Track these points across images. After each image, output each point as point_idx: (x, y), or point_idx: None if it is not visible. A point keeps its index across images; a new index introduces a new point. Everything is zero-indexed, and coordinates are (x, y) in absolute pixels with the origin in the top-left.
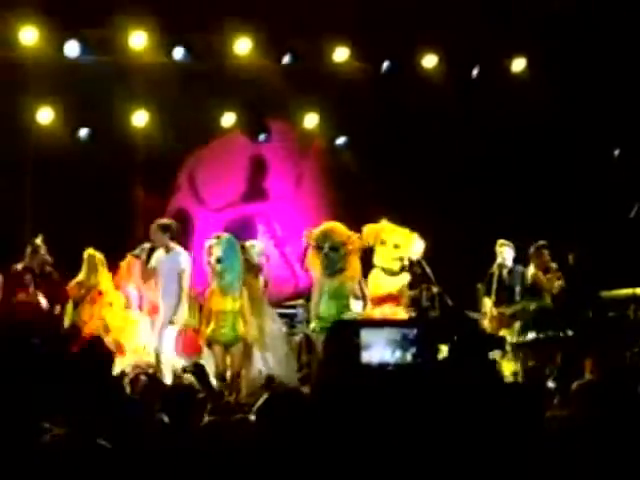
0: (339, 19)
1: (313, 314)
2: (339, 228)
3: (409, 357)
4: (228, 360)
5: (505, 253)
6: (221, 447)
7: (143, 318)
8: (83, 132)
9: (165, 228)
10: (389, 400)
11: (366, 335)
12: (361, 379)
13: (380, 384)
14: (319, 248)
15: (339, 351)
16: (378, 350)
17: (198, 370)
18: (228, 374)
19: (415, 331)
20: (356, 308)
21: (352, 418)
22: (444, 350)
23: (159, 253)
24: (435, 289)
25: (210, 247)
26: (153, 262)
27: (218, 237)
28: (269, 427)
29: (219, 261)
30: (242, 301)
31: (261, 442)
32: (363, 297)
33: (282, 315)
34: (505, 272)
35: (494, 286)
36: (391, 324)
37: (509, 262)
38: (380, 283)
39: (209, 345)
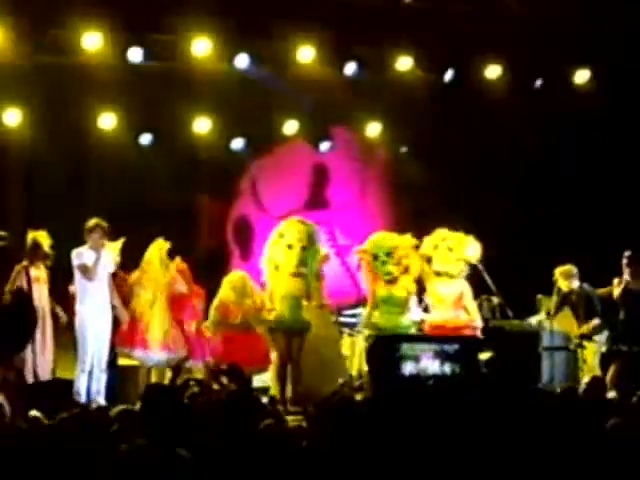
0: (403, 28)
1: (366, 323)
2: (388, 235)
3: (450, 370)
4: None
5: (569, 284)
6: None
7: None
8: (145, 137)
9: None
10: (428, 412)
11: (407, 348)
12: (400, 391)
13: (420, 396)
14: (375, 257)
15: (379, 364)
16: (419, 363)
17: (235, 372)
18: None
19: (456, 346)
20: (416, 315)
21: (393, 428)
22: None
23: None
24: (496, 299)
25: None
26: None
27: (302, 222)
28: (321, 435)
29: (305, 248)
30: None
31: (313, 450)
32: (422, 304)
33: (342, 323)
34: (574, 297)
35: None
36: (432, 339)
37: (575, 285)
38: (437, 288)
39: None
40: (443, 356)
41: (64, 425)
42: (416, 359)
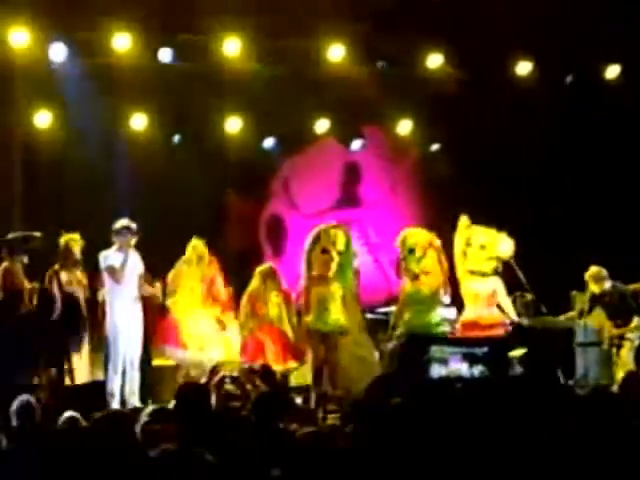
0: (432, 25)
1: (395, 322)
2: (414, 231)
3: (478, 373)
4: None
5: (600, 286)
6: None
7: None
8: (176, 137)
9: None
10: (457, 415)
11: (436, 351)
12: (429, 393)
13: (449, 399)
14: (402, 252)
15: (408, 366)
16: (448, 365)
17: (267, 373)
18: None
19: (486, 349)
20: (449, 313)
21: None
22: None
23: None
24: (529, 296)
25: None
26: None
27: (336, 226)
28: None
29: (341, 253)
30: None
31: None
32: (453, 301)
33: (375, 321)
34: (608, 298)
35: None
36: (461, 341)
37: (607, 286)
38: (470, 286)
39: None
40: (472, 358)
41: (96, 426)
42: (445, 362)
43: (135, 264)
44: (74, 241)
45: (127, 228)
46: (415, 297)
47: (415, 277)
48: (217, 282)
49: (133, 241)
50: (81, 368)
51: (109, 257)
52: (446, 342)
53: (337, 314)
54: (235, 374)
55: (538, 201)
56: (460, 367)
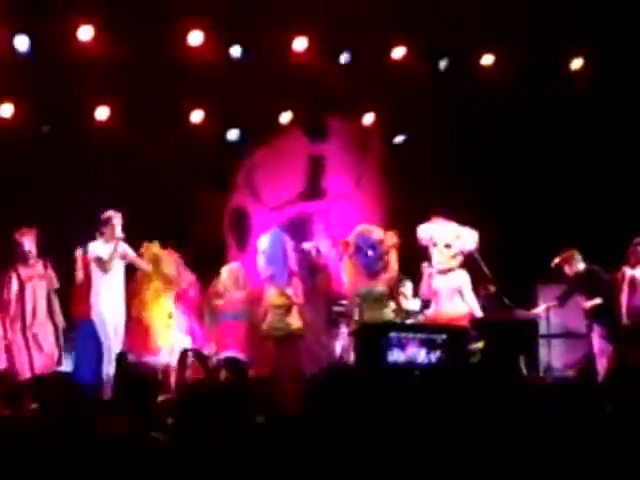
0: (396, 17)
1: (351, 318)
2: (374, 228)
3: (436, 359)
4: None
5: (573, 267)
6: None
7: None
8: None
9: None
10: (414, 400)
11: (395, 337)
12: (387, 379)
13: (405, 384)
14: (358, 249)
15: (365, 352)
16: (405, 351)
17: (233, 365)
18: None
19: (445, 336)
20: (414, 305)
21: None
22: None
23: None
24: (492, 288)
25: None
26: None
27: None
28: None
29: (263, 254)
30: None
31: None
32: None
33: (338, 314)
34: (581, 279)
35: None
36: (420, 328)
37: (580, 267)
38: (435, 280)
39: (264, 340)
40: (430, 345)
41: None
42: (402, 347)
43: (123, 254)
44: (26, 235)
45: (114, 219)
46: (369, 295)
47: (370, 275)
48: (179, 277)
49: (119, 230)
50: (41, 361)
51: (97, 248)
52: (405, 328)
53: (282, 320)
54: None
55: (507, 191)
56: (418, 353)
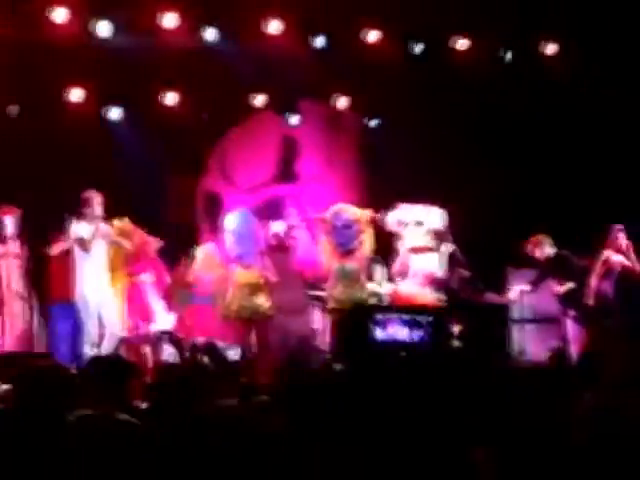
0: (372, 1)
1: (329, 296)
2: (350, 207)
3: (418, 338)
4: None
5: (544, 251)
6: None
7: None
8: (114, 112)
9: None
10: (399, 380)
11: (379, 317)
12: (372, 357)
13: (391, 364)
14: (333, 227)
15: (351, 332)
16: (386, 329)
17: (211, 349)
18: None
19: (429, 317)
20: (386, 288)
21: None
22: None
23: None
24: (466, 272)
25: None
26: None
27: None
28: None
29: (231, 234)
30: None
31: (281, 424)
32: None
33: (313, 297)
34: (553, 263)
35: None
36: (405, 309)
37: (551, 251)
38: (408, 263)
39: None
40: (413, 324)
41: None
42: (384, 326)
43: (105, 234)
44: (8, 214)
45: (95, 198)
46: (342, 273)
47: (344, 253)
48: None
49: (99, 210)
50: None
51: (78, 228)
52: (390, 309)
53: (252, 299)
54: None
55: (479, 176)
56: (400, 331)
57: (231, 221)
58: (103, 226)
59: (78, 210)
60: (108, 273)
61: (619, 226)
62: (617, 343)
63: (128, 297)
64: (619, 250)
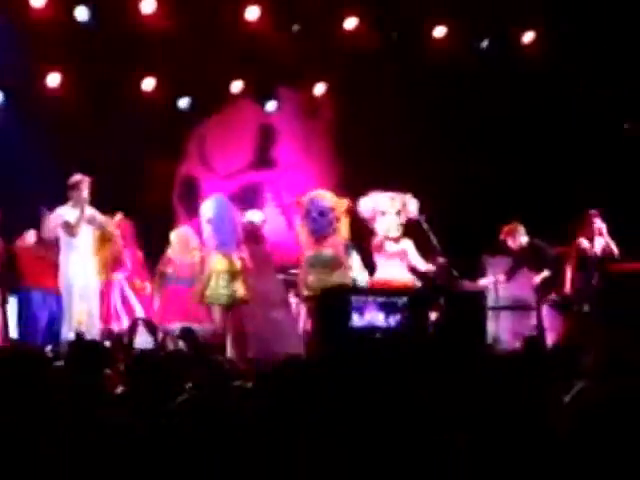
0: None
1: (302, 283)
2: (326, 194)
3: (395, 322)
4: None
5: (517, 240)
6: (215, 416)
7: None
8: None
9: None
10: (378, 363)
11: (356, 302)
12: (351, 343)
13: (369, 348)
14: (307, 213)
15: (329, 317)
16: (368, 316)
17: (187, 334)
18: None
19: (405, 299)
20: (362, 277)
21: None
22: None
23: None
24: (441, 259)
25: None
26: None
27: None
28: (268, 394)
29: (209, 222)
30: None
31: (258, 410)
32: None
33: (289, 283)
34: (526, 253)
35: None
36: (381, 292)
37: (524, 240)
38: (387, 249)
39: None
40: (389, 308)
41: None
42: (360, 312)
43: (91, 218)
44: None
45: (82, 182)
46: (317, 259)
47: (318, 240)
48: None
49: (86, 194)
50: None
51: (64, 212)
52: (366, 292)
53: (228, 286)
54: None
55: (456, 163)
56: (376, 316)
57: (208, 208)
58: (89, 210)
59: (65, 194)
60: (94, 259)
61: (594, 211)
62: (595, 331)
63: (107, 290)
64: (593, 235)
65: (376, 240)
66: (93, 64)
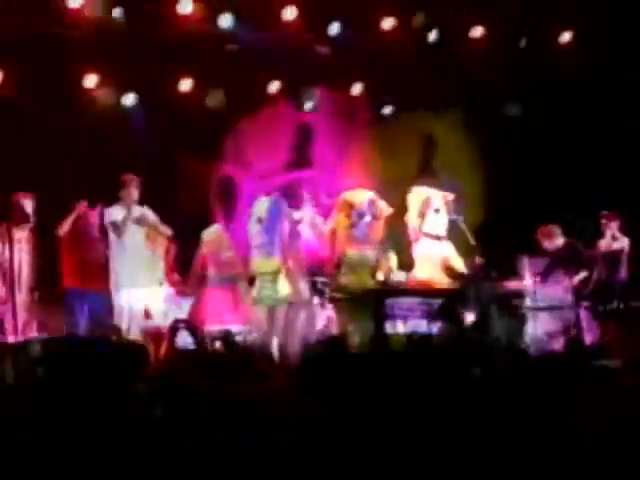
0: None
1: (337, 284)
2: (366, 194)
3: (433, 327)
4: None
5: (553, 242)
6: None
7: None
8: (129, 98)
9: None
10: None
11: (390, 305)
12: (385, 348)
13: (404, 353)
14: (348, 213)
15: (362, 321)
16: (412, 323)
17: (226, 336)
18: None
19: (439, 301)
20: (399, 276)
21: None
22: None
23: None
24: (479, 259)
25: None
26: None
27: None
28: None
29: (260, 221)
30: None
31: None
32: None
33: (324, 283)
34: (562, 254)
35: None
36: (415, 294)
37: (560, 242)
38: (423, 248)
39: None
40: (430, 314)
41: None
42: (404, 319)
43: (140, 218)
44: (27, 198)
45: (130, 181)
46: (360, 260)
47: (361, 240)
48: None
49: (135, 194)
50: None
51: (112, 212)
52: (407, 294)
53: (273, 287)
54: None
55: (493, 165)
56: (420, 323)
57: (263, 208)
58: (137, 209)
59: (115, 193)
60: (143, 259)
61: (605, 212)
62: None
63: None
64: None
65: (414, 236)
66: (129, 65)
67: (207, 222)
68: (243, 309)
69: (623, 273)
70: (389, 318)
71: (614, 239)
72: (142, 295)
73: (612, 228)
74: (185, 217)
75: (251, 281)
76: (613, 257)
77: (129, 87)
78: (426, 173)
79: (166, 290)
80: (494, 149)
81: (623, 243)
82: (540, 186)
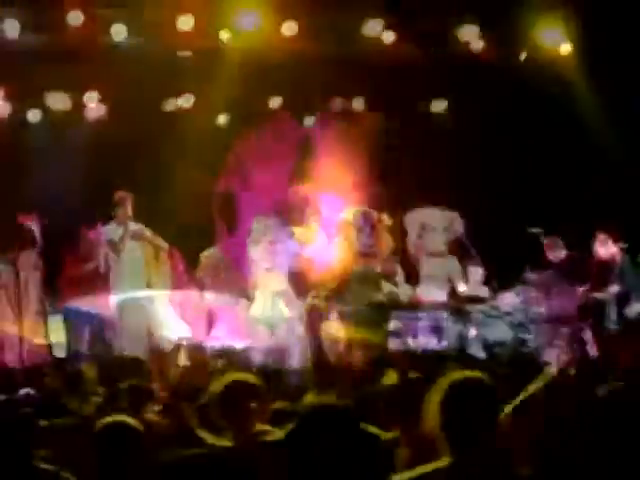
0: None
1: (341, 297)
2: (370, 210)
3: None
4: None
5: (556, 254)
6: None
7: None
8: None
9: None
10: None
11: (396, 321)
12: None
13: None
14: (354, 228)
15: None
16: (423, 339)
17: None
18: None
19: (445, 314)
20: (405, 291)
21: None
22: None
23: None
24: (480, 270)
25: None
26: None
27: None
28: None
29: (271, 243)
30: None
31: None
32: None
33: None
34: (565, 266)
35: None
36: (419, 307)
37: (562, 254)
38: (427, 265)
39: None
40: (438, 330)
41: None
42: (414, 334)
43: (137, 233)
44: (34, 221)
45: (124, 199)
46: (365, 275)
47: (366, 254)
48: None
49: (129, 211)
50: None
51: (109, 231)
52: (414, 308)
53: (276, 306)
54: None
55: (490, 176)
56: (431, 339)
57: (263, 225)
58: (133, 225)
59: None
60: (143, 275)
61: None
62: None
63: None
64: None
65: (417, 255)
66: (132, 84)
67: (208, 238)
68: (244, 326)
69: (616, 283)
70: (397, 335)
71: (604, 249)
72: (142, 311)
73: (601, 239)
74: (188, 233)
75: (251, 299)
76: (605, 267)
77: (131, 105)
78: None
79: (167, 307)
80: (499, 162)
81: (613, 252)
82: (545, 198)
